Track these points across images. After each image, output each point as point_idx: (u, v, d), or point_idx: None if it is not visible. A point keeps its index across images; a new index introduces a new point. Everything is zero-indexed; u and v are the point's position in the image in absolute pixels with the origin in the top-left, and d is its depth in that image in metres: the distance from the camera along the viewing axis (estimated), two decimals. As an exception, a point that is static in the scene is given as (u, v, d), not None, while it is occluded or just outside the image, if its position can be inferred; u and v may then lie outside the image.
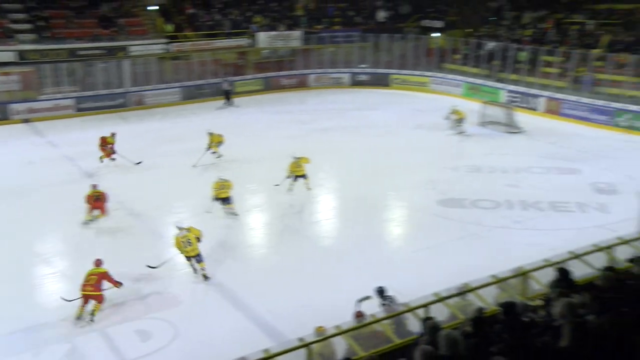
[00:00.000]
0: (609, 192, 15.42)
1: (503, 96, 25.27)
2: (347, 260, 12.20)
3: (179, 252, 11.42)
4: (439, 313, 7.61)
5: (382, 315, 8.42)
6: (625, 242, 8.44)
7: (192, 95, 27.76)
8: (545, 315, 5.92)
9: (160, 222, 14.28)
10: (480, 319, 5.52)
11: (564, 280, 6.54)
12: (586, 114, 22.34)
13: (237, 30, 29.65)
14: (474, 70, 27.51)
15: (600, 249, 8.03)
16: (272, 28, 30.35)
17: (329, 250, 12.97)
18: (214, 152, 18.61)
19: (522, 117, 22.13)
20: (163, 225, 13.89)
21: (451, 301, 7.69)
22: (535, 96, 24.19)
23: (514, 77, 25.63)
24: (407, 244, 13.49)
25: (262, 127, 22.84)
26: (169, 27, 28.66)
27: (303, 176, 15.77)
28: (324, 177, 17.49)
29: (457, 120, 21.14)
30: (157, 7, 29.17)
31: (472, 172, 17.44)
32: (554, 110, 23.41)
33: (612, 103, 21.66)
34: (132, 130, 22.35)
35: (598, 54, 23.38)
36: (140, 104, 26.63)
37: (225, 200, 14.10)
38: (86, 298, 10.17)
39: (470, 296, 7.91)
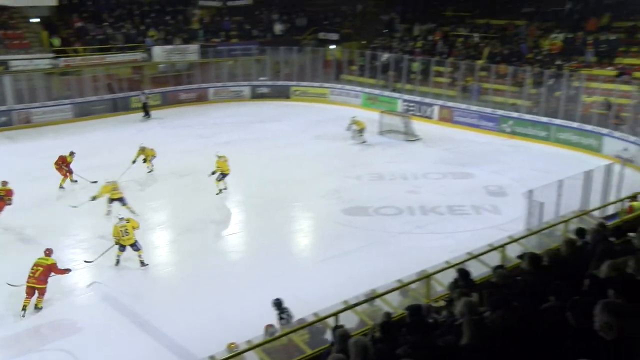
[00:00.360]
0: (499, 194, 16.45)
1: (400, 105, 26.28)
2: (255, 273, 12.11)
3: (115, 240, 12.19)
4: (349, 321, 7.72)
5: (287, 327, 8.44)
6: (515, 240, 9.01)
7: (86, 111, 26.44)
8: (448, 315, 6.18)
9: (58, 244, 13.44)
10: (388, 324, 5.65)
11: (463, 280, 6.85)
12: (475, 121, 23.74)
13: (131, 44, 28.69)
14: (371, 80, 28.39)
15: (494, 249, 8.50)
16: (167, 42, 29.65)
17: (237, 264, 12.84)
18: (147, 167, 18.43)
19: (419, 125, 23.10)
20: (60, 249, 13.08)
21: (360, 308, 7.82)
22: (429, 105, 25.37)
23: (408, 87, 26.75)
24: (314, 253, 13.61)
25: (161, 143, 22.08)
26: (56, 41, 27.15)
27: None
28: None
29: (359, 130, 21.70)
30: (38, 20, 27.54)
31: (375, 180, 17.94)
32: (447, 118, 24.67)
33: (498, 110, 23.19)
34: (21, 150, 21.02)
35: (482, 65, 24.97)
36: (27, 122, 24.96)
37: (133, 246, 12.56)
38: (32, 289, 10.44)
39: (378, 302, 8.09)
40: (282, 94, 30.06)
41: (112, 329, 10.26)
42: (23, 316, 10.43)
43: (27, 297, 10.43)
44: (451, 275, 7.42)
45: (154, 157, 18.56)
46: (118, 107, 27.23)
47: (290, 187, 17.31)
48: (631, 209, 10.85)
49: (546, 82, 22.05)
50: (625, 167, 14.82)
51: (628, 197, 10.80)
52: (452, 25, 28.38)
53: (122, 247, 12.34)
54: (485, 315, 5.07)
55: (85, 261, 12.14)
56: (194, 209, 15.63)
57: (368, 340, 5.68)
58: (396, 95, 26.84)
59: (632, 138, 18.70)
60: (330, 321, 7.08)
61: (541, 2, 26.25)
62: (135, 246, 12.33)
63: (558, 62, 23.30)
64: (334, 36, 31.40)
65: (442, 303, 7.45)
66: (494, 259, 8.28)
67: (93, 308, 10.88)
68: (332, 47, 31.01)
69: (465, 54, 26.37)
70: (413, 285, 8.29)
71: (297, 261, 13.17)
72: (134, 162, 18.08)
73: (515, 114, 22.62)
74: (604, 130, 19.84)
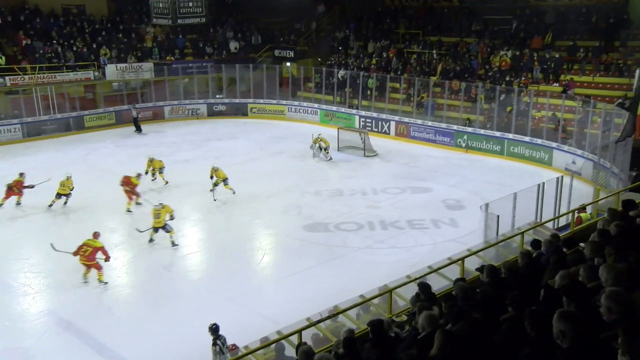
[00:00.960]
0: (457, 208, 16.78)
1: (357, 122, 26.59)
2: (216, 293, 11.99)
3: (152, 220, 14.26)
4: (313, 337, 7.72)
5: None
6: (474, 253, 9.22)
7: (36, 131, 25.72)
8: (410, 329, 6.26)
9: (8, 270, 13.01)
10: (351, 340, 5.68)
11: (424, 294, 6.96)
12: (432, 136, 24.22)
13: (83, 62, 28.15)
14: (328, 97, 28.65)
15: (454, 262, 8.68)
16: (121, 60, 29.23)
17: (197, 284, 12.67)
18: (153, 179, 19.10)
19: (376, 141, 23.40)
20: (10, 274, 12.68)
21: (323, 324, 7.84)
22: (386, 121, 25.76)
23: (365, 103, 27.10)
24: (276, 270, 13.57)
25: (116, 162, 21.76)
26: (0, 60, 26.35)
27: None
28: (188, 210, 17.10)
29: (325, 148, 21.77)
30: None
31: (334, 195, 18.05)
32: (404, 133, 25.09)
33: (452, 125, 23.74)
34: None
35: (436, 81, 25.57)
36: (-31, 143, 24.12)
37: (163, 228, 14.44)
38: (86, 266, 12.14)
39: (341, 318, 8.13)
40: (239, 111, 30.00)
41: (66, 354, 9.94)
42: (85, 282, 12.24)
43: (86, 270, 12.24)
44: (412, 289, 7.54)
45: (162, 168, 19.27)
46: (71, 127, 26.63)
47: (250, 204, 17.26)
48: (580, 220, 11.26)
49: (498, 98, 22.73)
50: (574, 179, 15.36)
51: (577, 209, 11.20)
52: (406, 42, 28.99)
53: (156, 229, 14.24)
54: (447, 328, 5.17)
55: (138, 230, 14.28)
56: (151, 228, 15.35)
57: (332, 357, 5.71)
58: (353, 111, 27.15)
59: (579, 151, 19.44)
60: (294, 339, 7.07)
61: (489, 20, 27.14)
62: (165, 228, 14.25)
63: (508, 79, 24.08)
64: (290, 53, 31.59)
65: (404, 317, 7.55)
66: (454, 272, 8.45)
67: (47, 334, 10.52)
68: (288, 64, 31.20)
69: (419, 71, 26.96)
70: (375, 300, 8.38)
71: (259, 279, 13.10)
72: (146, 173, 18.85)
73: (469, 129, 23.20)
74: (554, 144, 20.57)
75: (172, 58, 30.77)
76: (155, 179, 19.26)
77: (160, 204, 14.56)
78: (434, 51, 27.15)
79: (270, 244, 14.98)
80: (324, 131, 24.26)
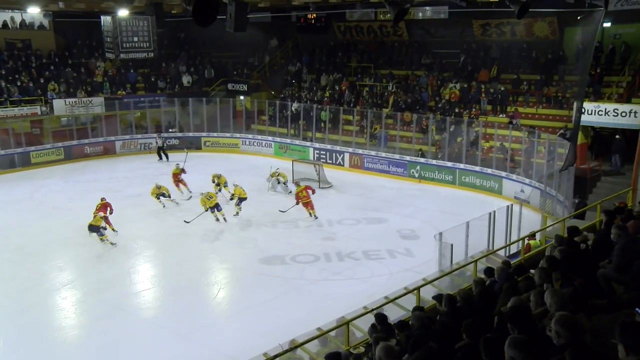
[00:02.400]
0: (411, 237, 16.99)
1: (311, 154, 26.78)
2: (171, 329, 11.69)
3: (205, 208, 17.79)
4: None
5: None
6: (429, 282, 9.33)
7: (-21, 168, 24.80)
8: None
9: None
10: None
11: (381, 325, 6.97)
12: (385, 167, 24.60)
13: (29, 97, 27.47)
14: (282, 130, 28.81)
15: (410, 291, 8.76)
16: (70, 95, 28.68)
17: (150, 322, 12.31)
18: (218, 191, 20.50)
19: (330, 173, 23.58)
20: None
21: (280, 359, 7.73)
22: (340, 152, 26.05)
23: (319, 135, 27.38)
24: (231, 305, 13.34)
25: (67, 199, 21.16)
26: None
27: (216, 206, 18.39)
28: (141, 245, 16.74)
29: (284, 182, 21.76)
30: None
31: (290, 227, 18.00)
32: (358, 164, 25.39)
33: (405, 156, 24.21)
34: None
35: (388, 113, 26.11)
36: None
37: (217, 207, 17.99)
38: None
39: (299, 351, 8.04)
40: (193, 145, 29.77)
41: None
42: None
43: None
44: (370, 320, 7.54)
45: (226, 183, 20.90)
46: (16, 163, 25.78)
47: (204, 238, 17.02)
48: (529, 247, 11.58)
49: (448, 129, 23.37)
50: (523, 207, 15.84)
51: (527, 236, 11.53)
52: (358, 75, 29.60)
53: (212, 209, 17.61)
54: (404, 358, 5.19)
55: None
56: (103, 266, 14.95)
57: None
58: (307, 144, 27.35)
59: (527, 180, 20.10)
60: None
61: (438, 54, 28.06)
62: (217, 207, 17.85)
63: (457, 110, 24.83)
64: (243, 87, 31.72)
65: (361, 349, 7.53)
66: (411, 302, 8.52)
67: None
68: (242, 97, 31.30)
69: (371, 103, 27.49)
70: (332, 333, 8.34)
71: (215, 314, 12.85)
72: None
73: (422, 160, 23.69)
74: (503, 173, 21.21)
75: (123, 92, 30.41)
76: (220, 190, 20.75)
77: (205, 192, 18.23)
78: (390, 83, 27.79)
79: (226, 278, 14.75)
80: (278, 164, 24.32)
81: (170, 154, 28.27)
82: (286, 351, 7.79)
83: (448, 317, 6.02)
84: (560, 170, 17.47)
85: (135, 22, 28.03)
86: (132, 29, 28.29)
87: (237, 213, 18.80)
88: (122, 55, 29.12)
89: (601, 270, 6.30)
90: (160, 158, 27.81)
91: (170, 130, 30.13)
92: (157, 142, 28.32)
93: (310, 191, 18.76)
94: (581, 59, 20.95)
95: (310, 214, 18.59)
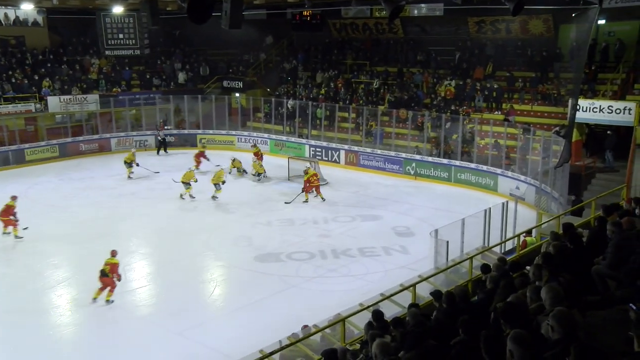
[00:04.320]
0: (407, 235, 17.02)
1: (307, 151, 26.77)
2: (166, 327, 11.68)
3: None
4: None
5: None
6: (425, 279, 9.36)
7: (-28, 166, 24.67)
8: (363, 357, 6.26)
9: None
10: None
11: (377, 321, 6.99)
12: (381, 164, 24.62)
13: (23, 94, 27.35)
14: (278, 127, 28.79)
15: (405, 288, 8.77)
16: (65, 92, 28.58)
17: (146, 319, 12.29)
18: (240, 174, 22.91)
19: (326, 170, 23.56)
20: None
21: (277, 356, 7.75)
22: (336, 149, 26.05)
23: (314, 132, 27.37)
24: (228, 303, 13.34)
25: (61, 197, 21.09)
26: None
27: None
28: (136, 243, 16.73)
29: (238, 169, 23.37)
30: None
31: (285, 225, 18.00)
32: (353, 162, 25.40)
33: (401, 153, 24.23)
34: None
35: (383, 110, 26.13)
36: None
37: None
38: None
39: (296, 348, 8.06)
40: (188, 142, 29.71)
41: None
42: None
43: (98, 289, 12.79)
44: (366, 317, 7.56)
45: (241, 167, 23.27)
46: (10, 161, 25.67)
47: (200, 235, 17.00)
48: (525, 244, 11.61)
49: (444, 126, 23.39)
50: (518, 204, 15.89)
51: (523, 232, 11.56)
52: (353, 72, 29.59)
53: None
54: (400, 355, 5.21)
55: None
56: (98, 263, 14.87)
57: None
58: (303, 141, 27.35)
59: (522, 177, 20.16)
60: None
61: (433, 51, 28.08)
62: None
63: (453, 107, 24.86)
64: (239, 84, 31.67)
65: (357, 346, 7.55)
66: (406, 298, 8.54)
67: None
68: (237, 95, 31.25)
69: (367, 100, 27.50)
70: (328, 330, 8.35)
71: (211, 312, 12.84)
72: (230, 172, 22.68)
73: (417, 157, 23.71)
74: (498, 170, 21.26)
75: (118, 90, 30.32)
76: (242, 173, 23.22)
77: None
78: (375, 80, 27.81)
79: (222, 276, 14.74)
80: (274, 161, 24.36)
81: (161, 152, 28.24)
82: (283, 347, 7.81)
83: (444, 315, 6.04)
84: (555, 167, 17.53)
85: (121, 19, 28.10)
86: (118, 26, 28.34)
87: (191, 196, 20.25)
88: (107, 52, 29.23)
89: (595, 266, 6.33)
90: (159, 152, 27.80)
91: (166, 127, 30.05)
92: (157, 136, 28.37)
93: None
94: (576, 57, 20.99)
95: (321, 197, 20.28)
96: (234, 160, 24.01)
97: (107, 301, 12.78)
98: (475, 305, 6.27)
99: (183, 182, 20.33)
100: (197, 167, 23.46)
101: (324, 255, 15.46)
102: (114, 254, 13.06)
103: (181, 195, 20.54)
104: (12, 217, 16.28)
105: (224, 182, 20.40)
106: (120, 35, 28.91)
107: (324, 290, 13.34)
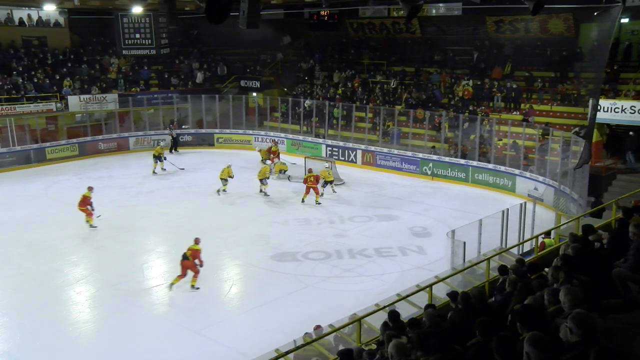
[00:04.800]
0: (423, 235, 16.93)
1: (323, 150, 26.77)
2: (183, 325, 11.75)
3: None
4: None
5: None
6: (441, 280, 9.30)
7: (-6, 164, 25.06)
8: (379, 358, 6.24)
9: None
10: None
11: (393, 321, 6.96)
12: (397, 164, 24.53)
13: (44, 94, 27.73)
14: (294, 127, 28.84)
15: (422, 289, 8.72)
16: (85, 91, 28.92)
17: (164, 318, 12.37)
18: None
19: (343, 170, 23.55)
20: None
21: (292, 355, 7.76)
22: (352, 149, 26.01)
23: (331, 132, 27.37)
24: (244, 302, 13.38)
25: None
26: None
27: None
28: (154, 241, 16.88)
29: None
30: None
31: (301, 224, 18.02)
32: (370, 161, 25.35)
33: (418, 154, 24.11)
34: None
35: (400, 110, 26.02)
36: None
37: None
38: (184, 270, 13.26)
39: (311, 348, 8.06)
40: (205, 141, 29.89)
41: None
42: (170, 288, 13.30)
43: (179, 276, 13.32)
44: (382, 317, 7.53)
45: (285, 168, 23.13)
46: (31, 159, 26.05)
47: (217, 234, 17.05)
48: (543, 245, 11.49)
49: (461, 126, 23.23)
50: (536, 205, 15.71)
51: (541, 234, 11.43)
52: (370, 72, 29.53)
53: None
54: (419, 355, 5.16)
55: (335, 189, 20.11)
56: (117, 261, 15.05)
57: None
58: (320, 140, 27.35)
59: (541, 178, 19.94)
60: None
61: (450, 51, 27.91)
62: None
63: (471, 107, 24.68)
64: (256, 84, 31.79)
65: (373, 346, 7.52)
66: (422, 299, 8.49)
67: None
68: (254, 94, 31.36)
69: (384, 100, 27.41)
70: (345, 330, 8.34)
71: (227, 310, 12.88)
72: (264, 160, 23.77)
73: (434, 157, 23.59)
74: (516, 171, 21.06)
75: (137, 89, 30.60)
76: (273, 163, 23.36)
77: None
78: (393, 81, 27.71)
79: (238, 275, 14.80)
80: (291, 160, 24.38)
81: (179, 151, 28.44)
82: (298, 347, 7.81)
83: (460, 315, 5.99)
84: (575, 168, 17.31)
85: (137, 19, 28.41)
86: (134, 26, 28.66)
87: (223, 190, 20.88)
88: (124, 52, 29.58)
89: (616, 269, 6.23)
90: (171, 151, 27.99)
91: (183, 126, 30.28)
92: (171, 134, 28.56)
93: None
94: (597, 56, 20.72)
95: (317, 200, 20.09)
96: (282, 163, 23.94)
97: (192, 287, 13.34)
98: (492, 306, 6.20)
99: (260, 179, 20.80)
100: (271, 161, 24.34)
101: (340, 255, 15.44)
102: (197, 241, 13.51)
103: (218, 191, 21.01)
104: (88, 207, 17.20)
105: (268, 178, 20.81)
106: (137, 35, 29.23)
107: (339, 290, 13.32)
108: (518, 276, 6.95)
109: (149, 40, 29.47)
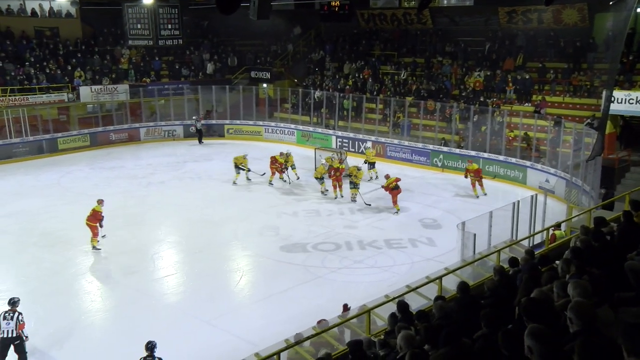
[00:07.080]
0: (434, 227, 16.90)
1: (334, 142, 26.74)
2: (193, 315, 11.83)
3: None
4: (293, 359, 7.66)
5: None
6: (451, 271, 9.28)
7: (7, 154, 25.26)
8: (388, 349, 6.25)
9: None
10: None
11: (403, 313, 6.96)
12: (408, 156, 24.45)
13: (56, 84, 27.89)
14: (305, 118, 28.81)
15: (431, 281, 8.72)
16: (96, 82, 29.05)
17: (175, 308, 12.47)
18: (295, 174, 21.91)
19: (353, 161, 23.40)
20: None
21: (302, 346, 7.79)
22: (363, 140, 25.95)
23: (341, 123, 27.31)
24: (254, 292, 13.44)
25: (92, 185, 21.47)
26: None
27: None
28: (164, 232, 16.99)
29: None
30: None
31: (311, 215, 18.04)
32: (380, 153, 25.26)
33: (429, 145, 24.01)
34: None
35: (411, 101, 25.90)
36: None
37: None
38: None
39: (321, 338, 8.09)
40: (215, 132, 29.95)
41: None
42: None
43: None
44: (391, 309, 7.54)
45: (294, 164, 21.77)
46: (44, 149, 26.25)
47: (227, 225, 17.15)
48: (554, 237, 11.43)
49: (472, 118, 23.09)
50: (547, 197, 15.62)
51: (552, 226, 11.37)
52: (380, 63, 29.39)
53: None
54: (427, 348, 5.16)
55: (366, 204, 18.39)
56: (128, 251, 15.17)
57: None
58: (330, 132, 27.31)
59: (552, 170, 19.80)
60: (274, 361, 7.01)
61: (462, 42, 27.69)
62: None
63: (482, 99, 24.51)
64: (266, 75, 31.77)
65: (382, 337, 7.54)
66: (432, 291, 8.49)
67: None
68: (265, 85, 31.35)
69: (394, 91, 27.29)
70: (354, 320, 8.37)
71: (237, 301, 12.97)
72: (289, 167, 21.63)
73: (445, 149, 23.48)
74: (527, 163, 20.92)
75: (148, 80, 30.70)
76: (286, 169, 21.57)
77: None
78: (403, 71, 27.55)
79: (248, 266, 14.85)
80: (301, 152, 24.35)
81: (189, 142, 28.51)
82: (307, 338, 7.85)
83: (458, 305, 5.97)
84: (587, 160, 17.16)
85: (141, 10, 28.50)
86: (137, 16, 28.75)
87: (298, 177, 21.66)
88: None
89: (629, 262, 6.18)
90: (200, 141, 28.49)
91: (193, 117, 30.30)
92: (196, 125, 28.83)
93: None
94: (612, 47, 20.46)
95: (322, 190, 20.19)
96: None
97: (93, 247, 14.87)
98: (500, 298, 6.18)
99: (317, 179, 20.15)
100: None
101: (350, 246, 15.46)
102: (100, 202, 15.13)
103: (270, 182, 21.21)
104: (98, 225, 15.18)
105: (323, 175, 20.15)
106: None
107: (349, 281, 13.34)
108: (527, 268, 6.93)
109: (177, 31, 29.73)
